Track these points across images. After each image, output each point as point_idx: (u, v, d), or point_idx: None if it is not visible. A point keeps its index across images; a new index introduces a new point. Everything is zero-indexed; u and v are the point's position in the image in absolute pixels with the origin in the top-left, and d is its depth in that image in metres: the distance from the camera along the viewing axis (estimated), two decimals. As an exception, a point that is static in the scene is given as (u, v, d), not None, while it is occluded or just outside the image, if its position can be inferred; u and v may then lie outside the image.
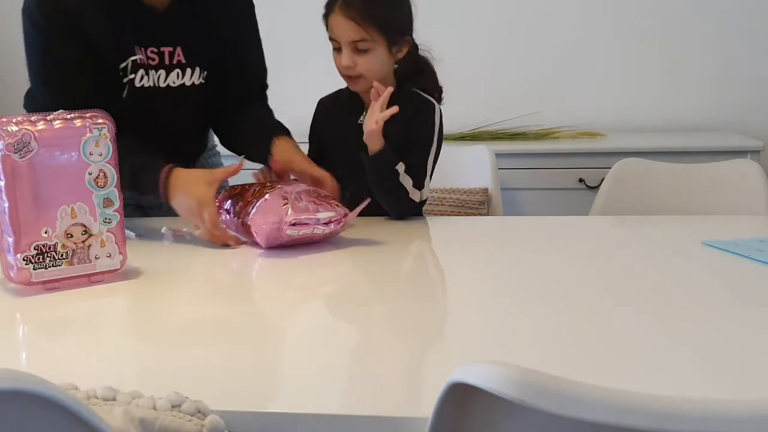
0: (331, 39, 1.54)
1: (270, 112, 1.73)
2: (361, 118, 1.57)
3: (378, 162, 1.48)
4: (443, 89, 1.64)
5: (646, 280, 1.18)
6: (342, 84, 1.62)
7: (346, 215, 1.38)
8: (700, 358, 0.87)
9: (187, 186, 1.40)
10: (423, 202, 1.57)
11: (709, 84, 2.88)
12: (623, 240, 1.50)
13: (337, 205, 1.39)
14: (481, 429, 0.66)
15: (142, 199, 1.63)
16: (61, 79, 1.49)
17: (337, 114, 1.64)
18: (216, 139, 1.86)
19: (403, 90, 1.56)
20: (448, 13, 2.94)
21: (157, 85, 1.56)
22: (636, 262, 1.28)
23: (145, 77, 1.54)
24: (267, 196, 1.35)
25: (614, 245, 1.44)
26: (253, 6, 1.69)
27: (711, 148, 2.49)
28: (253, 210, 1.34)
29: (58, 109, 1.18)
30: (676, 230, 1.48)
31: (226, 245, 1.40)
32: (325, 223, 1.35)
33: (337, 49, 1.54)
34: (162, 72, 1.56)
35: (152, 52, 1.54)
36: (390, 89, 1.45)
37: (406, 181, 1.49)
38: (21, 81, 1.69)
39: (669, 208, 1.72)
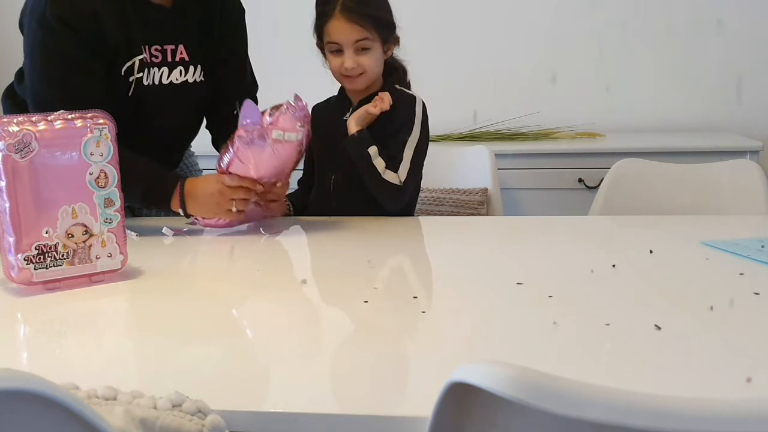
0: (329, 43, 1.60)
1: None
2: (347, 114, 1.66)
3: (352, 142, 1.59)
4: (410, 85, 1.74)
5: (646, 280, 1.18)
6: (332, 88, 1.71)
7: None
8: (699, 358, 0.87)
9: (203, 182, 1.52)
10: (406, 191, 1.60)
11: (708, 84, 2.88)
12: (622, 240, 1.50)
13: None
14: (481, 429, 0.66)
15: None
16: (73, 82, 1.48)
17: (327, 114, 1.72)
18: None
19: (386, 86, 1.66)
20: (447, 13, 2.94)
21: (160, 82, 1.57)
22: (635, 262, 1.28)
23: (149, 75, 1.55)
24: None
25: (613, 245, 1.44)
26: (244, 14, 1.73)
27: (711, 148, 2.48)
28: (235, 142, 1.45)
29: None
30: (676, 230, 1.48)
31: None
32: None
33: (334, 52, 1.60)
34: (165, 69, 1.57)
35: (156, 50, 1.55)
36: (389, 99, 1.60)
37: (378, 162, 1.58)
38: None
39: (668, 208, 1.72)
